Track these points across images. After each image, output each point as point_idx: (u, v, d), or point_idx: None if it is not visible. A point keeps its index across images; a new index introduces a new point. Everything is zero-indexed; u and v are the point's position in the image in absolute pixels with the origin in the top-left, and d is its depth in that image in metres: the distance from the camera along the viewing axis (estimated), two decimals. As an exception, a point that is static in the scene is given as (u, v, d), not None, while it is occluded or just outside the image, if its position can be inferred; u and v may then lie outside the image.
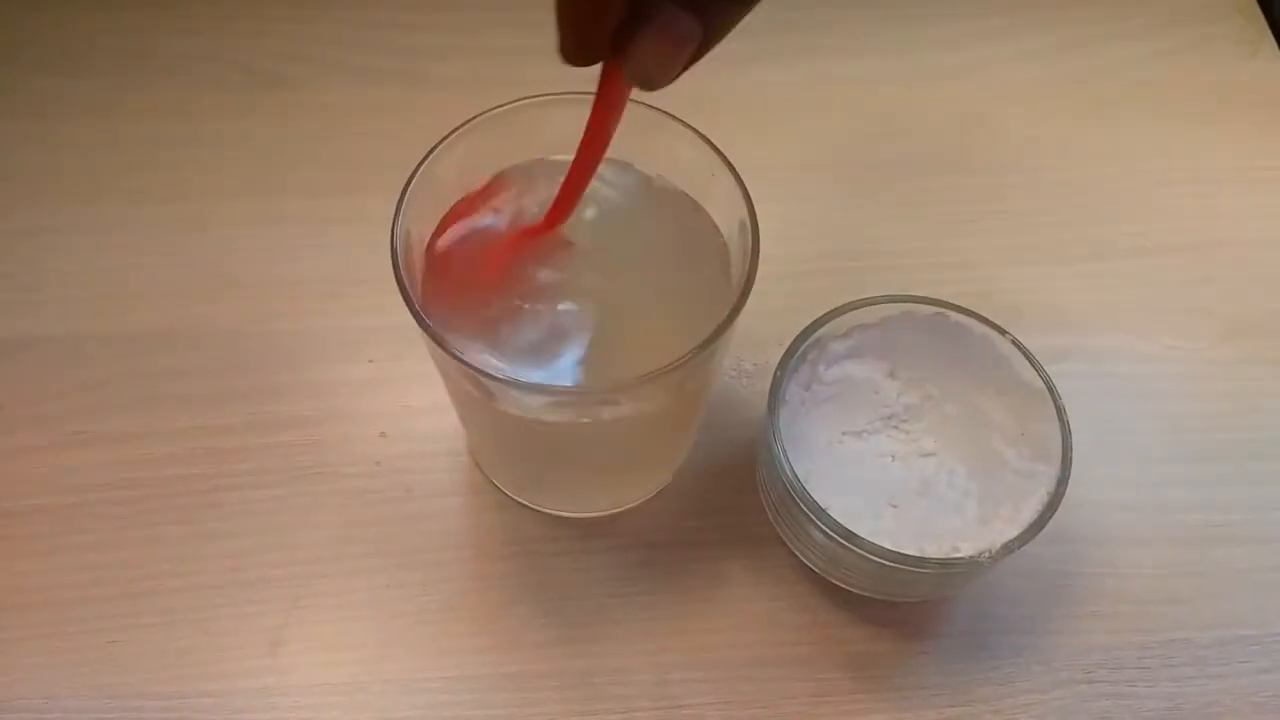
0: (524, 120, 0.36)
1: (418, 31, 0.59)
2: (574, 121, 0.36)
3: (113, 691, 0.40)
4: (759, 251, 0.33)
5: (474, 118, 0.35)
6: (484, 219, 0.36)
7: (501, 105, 0.35)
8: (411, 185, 0.34)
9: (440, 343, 0.31)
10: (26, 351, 0.48)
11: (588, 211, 0.36)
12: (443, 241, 0.36)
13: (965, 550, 0.37)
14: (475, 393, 0.34)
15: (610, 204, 0.37)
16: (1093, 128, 0.58)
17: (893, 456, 0.42)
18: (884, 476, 0.41)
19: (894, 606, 0.42)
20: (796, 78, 0.58)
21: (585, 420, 0.35)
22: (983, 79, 0.59)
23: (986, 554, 0.36)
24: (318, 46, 0.59)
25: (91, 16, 0.59)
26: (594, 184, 0.37)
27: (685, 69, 0.24)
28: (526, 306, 0.34)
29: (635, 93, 0.27)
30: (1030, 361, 0.40)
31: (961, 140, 0.57)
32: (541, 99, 0.35)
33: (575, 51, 0.24)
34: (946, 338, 0.41)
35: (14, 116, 0.55)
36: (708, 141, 0.35)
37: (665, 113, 0.34)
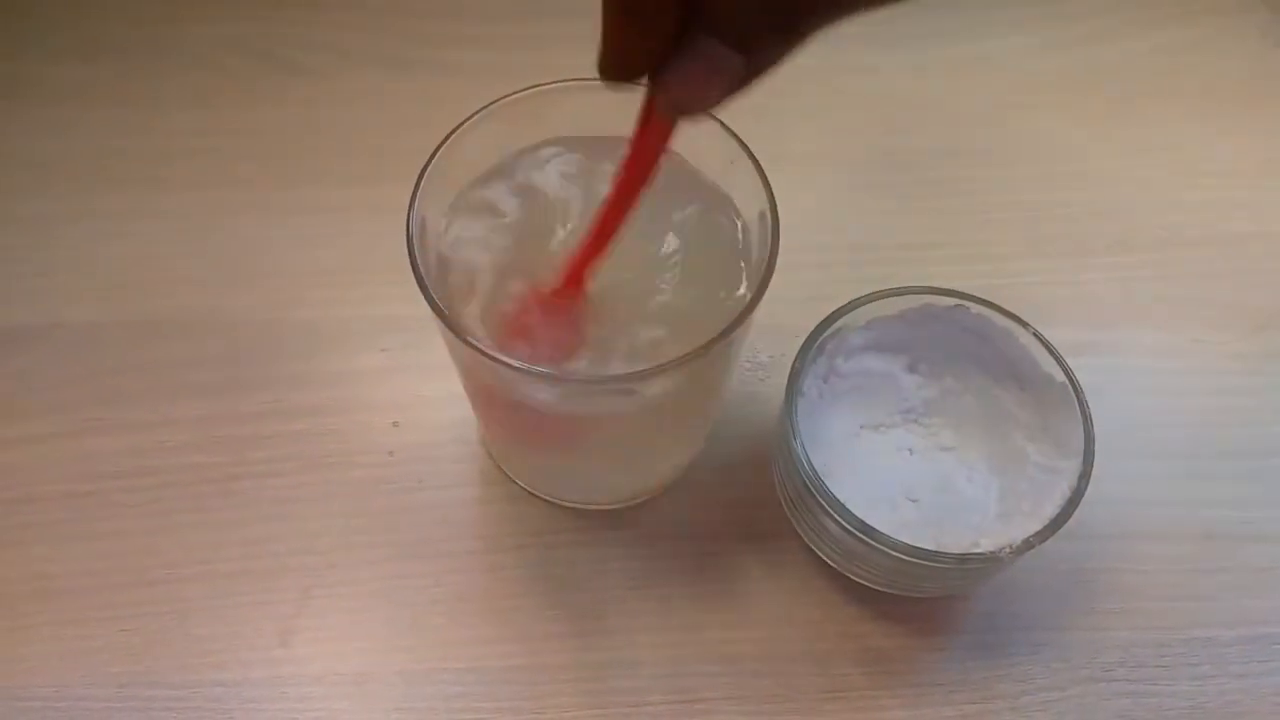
0: (538, 107, 0.36)
1: (433, 20, 0.59)
2: (588, 107, 0.36)
3: (124, 680, 0.40)
4: (778, 242, 0.33)
5: (487, 105, 0.35)
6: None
7: (515, 92, 0.35)
8: (427, 173, 0.34)
9: (455, 330, 0.31)
10: (43, 339, 0.48)
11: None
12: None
13: (985, 545, 0.36)
14: (489, 381, 0.34)
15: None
16: (1115, 119, 0.57)
17: (911, 450, 0.41)
18: (903, 470, 0.41)
19: (911, 602, 0.42)
20: (818, 68, 0.57)
21: (599, 410, 0.35)
22: (1005, 70, 0.59)
23: (1006, 549, 0.36)
24: (336, 35, 0.59)
25: (113, 5, 0.59)
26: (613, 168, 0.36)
27: (724, 99, 0.24)
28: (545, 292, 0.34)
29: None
30: (1052, 354, 0.39)
31: (983, 132, 0.56)
32: (555, 85, 0.35)
33: (613, 68, 0.24)
34: (966, 330, 0.41)
35: (35, 104, 0.56)
36: (729, 130, 0.34)
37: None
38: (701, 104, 0.24)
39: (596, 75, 0.35)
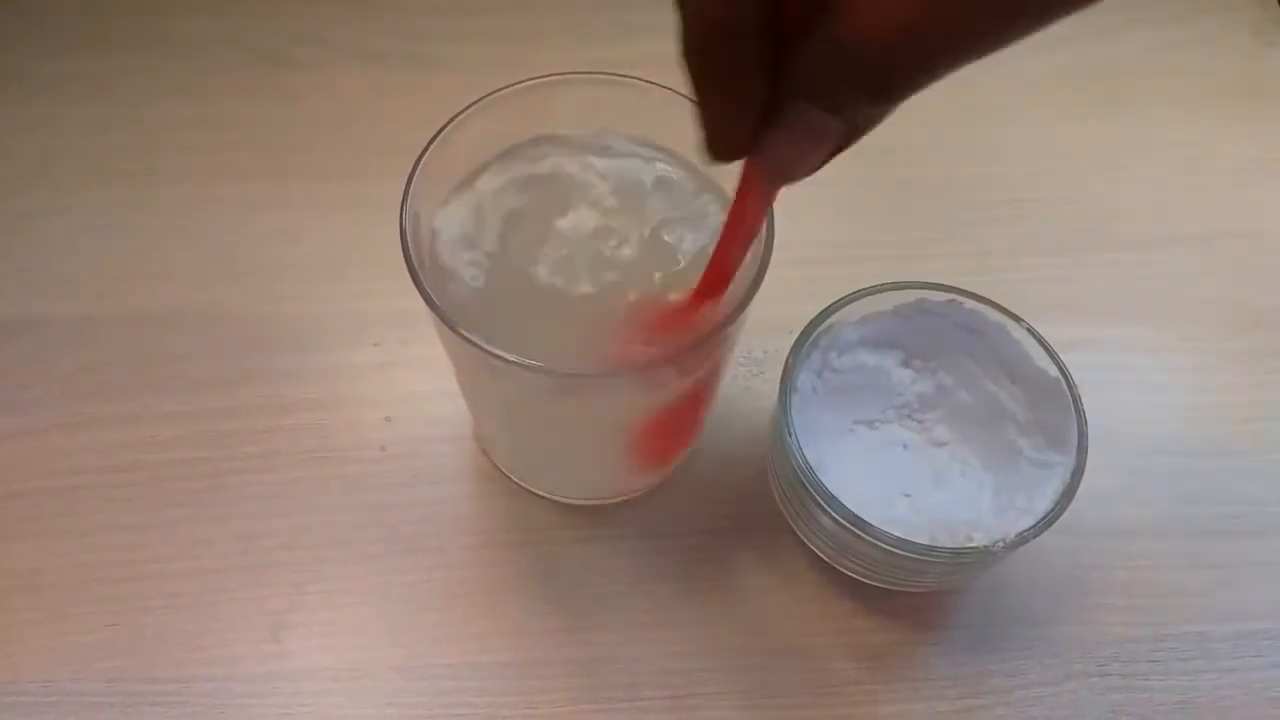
0: (531, 101, 0.35)
1: (425, 15, 0.59)
2: (580, 101, 0.36)
3: (113, 675, 0.40)
4: (773, 238, 0.33)
5: (481, 99, 0.35)
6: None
7: (508, 86, 0.35)
8: (420, 167, 0.33)
9: (449, 324, 0.31)
10: (31, 333, 0.47)
11: (607, 195, 0.36)
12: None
13: (978, 540, 0.36)
14: (483, 375, 0.34)
15: (625, 185, 0.36)
16: (1108, 118, 0.57)
17: (905, 446, 0.41)
18: (897, 466, 0.41)
19: (904, 597, 0.42)
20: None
21: (594, 405, 0.35)
22: (999, 68, 0.58)
23: (1000, 544, 0.36)
24: (326, 29, 0.58)
25: (101, -2, 0.59)
26: (608, 163, 0.36)
27: (826, 162, 0.24)
28: (540, 286, 0.34)
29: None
30: (1046, 350, 0.39)
31: (977, 129, 0.56)
32: (547, 79, 0.35)
33: (718, 149, 0.24)
34: (960, 325, 0.41)
35: (20, 98, 0.55)
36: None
37: (682, 94, 0.34)
38: (800, 170, 0.24)
39: (593, 69, 0.35)
